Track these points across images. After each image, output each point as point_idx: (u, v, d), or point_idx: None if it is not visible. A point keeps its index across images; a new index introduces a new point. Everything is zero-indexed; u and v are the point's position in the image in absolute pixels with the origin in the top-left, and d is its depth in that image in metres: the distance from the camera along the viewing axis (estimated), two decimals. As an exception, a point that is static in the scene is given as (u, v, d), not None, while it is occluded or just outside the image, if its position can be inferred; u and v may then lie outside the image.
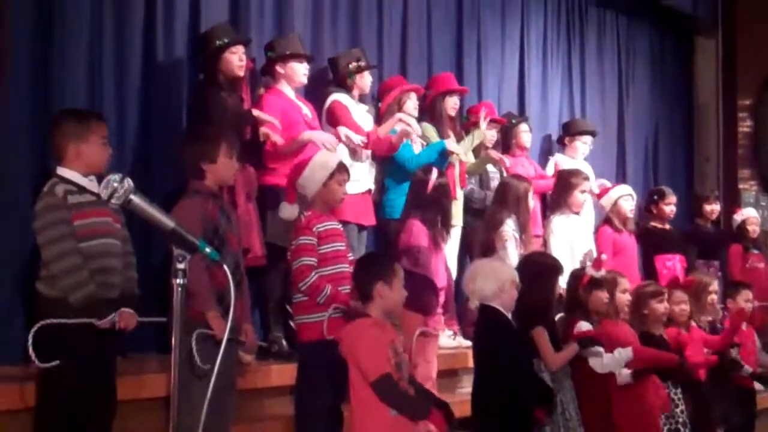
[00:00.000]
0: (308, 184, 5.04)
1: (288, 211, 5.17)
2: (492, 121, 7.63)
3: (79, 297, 4.00)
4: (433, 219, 5.66)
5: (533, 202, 6.54)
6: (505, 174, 7.45)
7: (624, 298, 5.84)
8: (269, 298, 5.84)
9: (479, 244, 6.58)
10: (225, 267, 3.05)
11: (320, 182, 5.01)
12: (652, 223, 8.07)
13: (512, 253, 6.21)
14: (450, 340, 6.64)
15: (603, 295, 5.59)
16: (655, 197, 8.17)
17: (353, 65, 6.60)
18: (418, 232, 5.58)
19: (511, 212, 6.36)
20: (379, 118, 6.86)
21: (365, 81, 6.71)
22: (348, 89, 6.61)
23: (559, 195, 7.21)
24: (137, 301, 4.29)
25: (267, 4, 6.64)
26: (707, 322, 6.70)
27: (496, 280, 4.83)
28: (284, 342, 5.76)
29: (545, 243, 7.19)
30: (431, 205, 5.69)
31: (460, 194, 7.10)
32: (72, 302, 4.00)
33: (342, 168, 5.15)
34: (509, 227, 6.29)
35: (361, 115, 6.62)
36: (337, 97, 6.48)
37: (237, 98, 5.76)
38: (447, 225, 5.80)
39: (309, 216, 4.95)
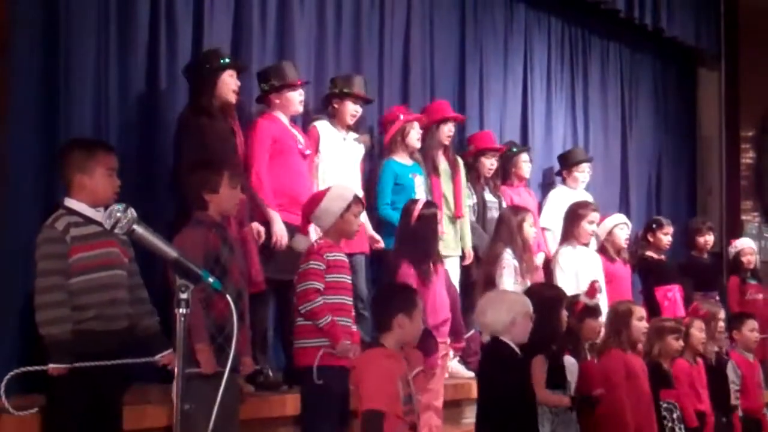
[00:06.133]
0: (324, 216, 5.07)
1: (302, 243, 5.18)
2: (490, 150, 7.60)
3: (51, 332, 3.91)
4: (418, 255, 5.59)
5: (533, 230, 6.49)
6: (504, 205, 7.42)
7: (641, 326, 5.81)
8: (257, 329, 5.76)
9: (481, 278, 6.54)
10: (228, 297, 3.04)
11: (337, 214, 5.04)
12: (648, 253, 7.98)
13: (507, 281, 6.19)
14: (455, 363, 6.54)
15: (596, 324, 5.55)
16: (654, 226, 8.12)
17: (336, 90, 6.43)
18: (404, 273, 5.51)
19: (506, 245, 6.36)
20: (383, 150, 6.84)
21: (346, 109, 6.37)
22: (330, 115, 6.45)
23: (567, 226, 7.17)
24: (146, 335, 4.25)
25: (269, 31, 6.60)
26: (714, 352, 6.71)
27: (508, 312, 4.78)
28: (270, 372, 5.65)
29: (551, 274, 7.15)
30: (413, 241, 5.64)
31: (460, 222, 7.00)
32: (43, 336, 3.92)
33: (357, 200, 5.19)
34: (508, 255, 6.29)
35: (344, 144, 6.41)
36: (316, 123, 6.36)
37: (227, 128, 5.63)
38: (431, 259, 5.68)
39: (321, 243, 5.02)
